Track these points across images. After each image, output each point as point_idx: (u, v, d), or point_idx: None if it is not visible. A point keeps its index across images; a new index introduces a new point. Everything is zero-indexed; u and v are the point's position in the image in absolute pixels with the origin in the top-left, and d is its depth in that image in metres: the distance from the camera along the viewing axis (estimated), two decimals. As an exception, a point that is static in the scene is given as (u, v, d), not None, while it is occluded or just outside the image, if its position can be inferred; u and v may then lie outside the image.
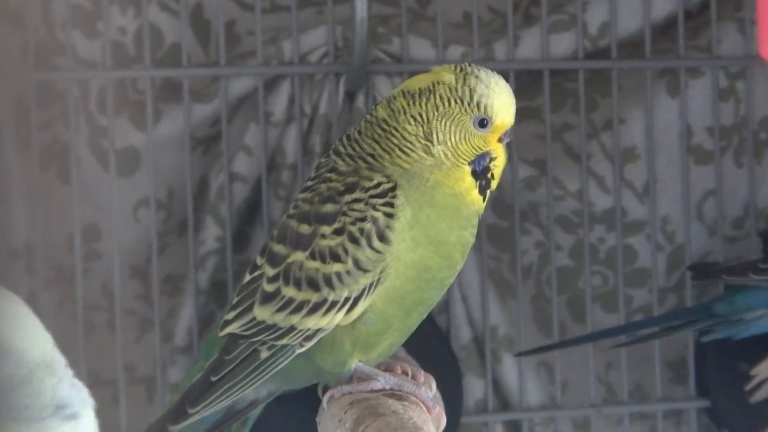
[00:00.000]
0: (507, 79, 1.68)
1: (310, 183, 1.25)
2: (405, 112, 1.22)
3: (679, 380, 1.80)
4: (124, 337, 1.66)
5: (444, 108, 1.21)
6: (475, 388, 1.76)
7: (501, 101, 1.22)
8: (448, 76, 1.21)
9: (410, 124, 1.21)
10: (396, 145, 1.22)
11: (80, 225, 1.66)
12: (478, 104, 1.20)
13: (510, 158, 1.72)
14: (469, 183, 1.22)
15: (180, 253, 1.72)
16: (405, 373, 1.24)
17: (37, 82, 1.66)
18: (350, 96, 1.72)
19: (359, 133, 1.25)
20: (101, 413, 1.68)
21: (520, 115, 1.73)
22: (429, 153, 1.21)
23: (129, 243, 1.71)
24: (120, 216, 1.67)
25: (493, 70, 1.69)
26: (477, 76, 1.21)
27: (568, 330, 1.79)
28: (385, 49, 1.72)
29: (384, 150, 1.22)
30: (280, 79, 1.72)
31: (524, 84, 1.76)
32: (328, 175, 1.24)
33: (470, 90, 1.20)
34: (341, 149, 1.25)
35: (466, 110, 1.20)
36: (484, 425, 1.77)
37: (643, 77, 1.76)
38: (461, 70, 1.22)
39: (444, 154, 1.21)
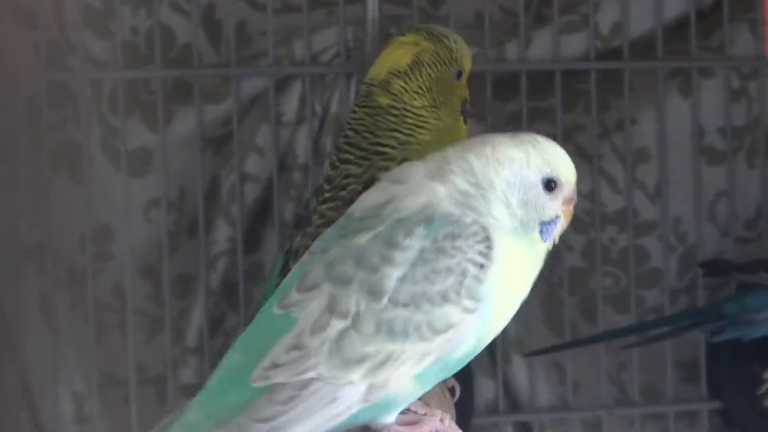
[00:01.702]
0: (518, 80, 1.71)
1: (328, 195, 1.25)
2: (407, 90, 1.24)
3: (692, 381, 1.80)
4: (135, 337, 1.66)
5: (435, 73, 1.25)
6: (486, 390, 1.76)
7: (467, 50, 1.27)
8: (426, 44, 1.25)
9: (416, 99, 1.24)
10: (413, 124, 1.23)
11: (92, 225, 1.66)
12: (455, 60, 1.26)
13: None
14: (463, 129, 1.27)
15: (191, 253, 1.72)
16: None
17: (49, 82, 1.66)
18: (361, 96, 1.72)
19: (371, 132, 1.25)
20: (112, 414, 1.70)
21: (532, 115, 1.75)
22: (438, 118, 1.24)
23: (140, 243, 1.71)
24: (131, 216, 1.67)
25: (504, 70, 1.74)
26: (446, 36, 1.26)
27: (579, 331, 1.78)
28: (397, 49, 1.72)
29: (405, 134, 1.23)
30: (291, 80, 1.72)
31: (536, 85, 1.76)
32: (344, 181, 1.24)
33: (449, 50, 1.25)
34: (349, 156, 1.25)
35: (448, 68, 1.25)
36: (494, 426, 1.77)
37: (655, 78, 1.76)
38: (430, 34, 1.26)
39: (446, 113, 1.25)
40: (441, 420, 1.05)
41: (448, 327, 0.95)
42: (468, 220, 0.96)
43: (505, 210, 0.98)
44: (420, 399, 1.06)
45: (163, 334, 1.68)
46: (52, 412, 1.67)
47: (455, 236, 0.95)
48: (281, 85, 1.72)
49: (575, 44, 1.76)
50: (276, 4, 1.73)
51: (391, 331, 0.94)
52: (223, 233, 1.72)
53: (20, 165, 1.67)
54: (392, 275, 0.94)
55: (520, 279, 0.99)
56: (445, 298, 0.94)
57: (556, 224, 1.00)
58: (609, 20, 1.76)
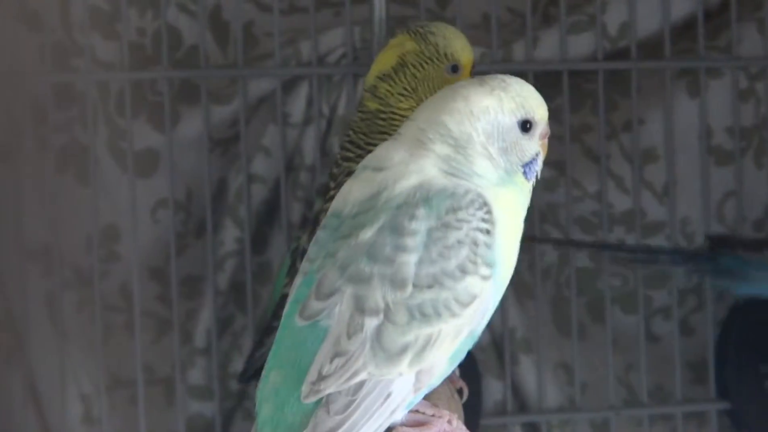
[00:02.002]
0: (526, 80, 1.70)
1: (333, 192, 1.25)
2: (392, 94, 1.26)
3: (700, 382, 1.80)
4: (142, 338, 1.66)
5: (421, 72, 1.26)
6: (494, 390, 1.76)
7: (461, 44, 1.28)
8: (410, 44, 1.27)
9: (402, 101, 1.25)
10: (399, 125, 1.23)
11: (98, 226, 1.66)
12: (446, 55, 1.26)
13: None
14: None
15: (199, 254, 1.72)
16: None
17: (56, 83, 1.66)
18: (368, 97, 1.72)
19: (364, 134, 1.26)
20: (120, 415, 1.69)
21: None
22: None
23: (147, 244, 1.71)
24: (138, 217, 1.67)
25: (511, 71, 1.72)
26: (433, 33, 1.27)
27: (587, 331, 1.78)
28: (404, 50, 1.72)
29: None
30: (298, 81, 1.72)
31: (543, 85, 1.74)
32: (346, 179, 1.24)
33: (435, 47, 1.26)
34: (350, 155, 1.26)
35: (438, 65, 1.26)
36: (502, 427, 1.77)
37: (663, 78, 1.75)
38: (416, 33, 1.27)
39: None
40: (449, 421, 1.05)
41: (473, 298, 0.95)
42: (461, 190, 0.96)
43: (487, 163, 0.97)
44: (428, 399, 1.06)
45: (170, 335, 1.68)
46: (60, 414, 1.67)
47: (456, 209, 0.95)
48: (288, 86, 1.72)
49: (582, 44, 1.75)
50: (283, 5, 1.73)
51: (424, 315, 0.94)
52: (230, 234, 1.72)
53: (26, 166, 1.67)
54: (410, 261, 0.94)
55: (516, 226, 0.99)
56: (464, 271, 0.95)
57: (536, 161, 1.00)
58: (616, 20, 1.76)
